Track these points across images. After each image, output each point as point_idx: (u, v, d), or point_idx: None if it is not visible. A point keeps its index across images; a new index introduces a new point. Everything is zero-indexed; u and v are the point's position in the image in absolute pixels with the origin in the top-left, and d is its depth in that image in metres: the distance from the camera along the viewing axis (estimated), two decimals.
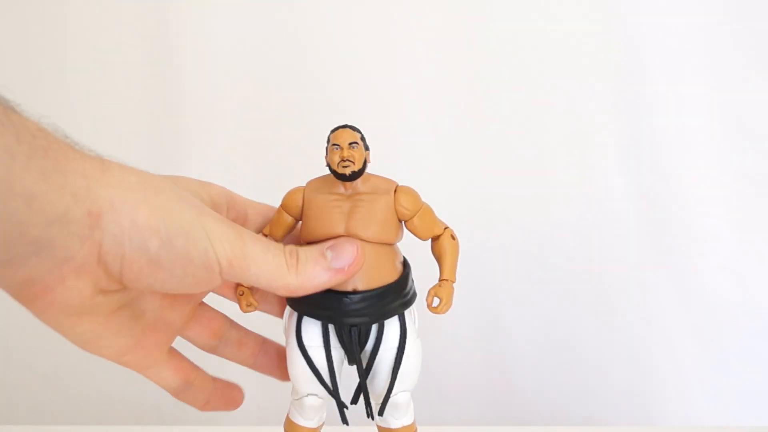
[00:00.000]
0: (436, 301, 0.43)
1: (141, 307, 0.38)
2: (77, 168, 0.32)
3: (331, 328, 0.43)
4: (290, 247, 0.39)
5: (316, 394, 0.44)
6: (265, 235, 0.45)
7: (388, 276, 0.43)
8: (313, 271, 0.38)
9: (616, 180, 0.76)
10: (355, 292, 0.42)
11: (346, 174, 0.43)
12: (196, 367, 0.43)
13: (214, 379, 0.44)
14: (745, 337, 0.76)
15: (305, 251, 0.39)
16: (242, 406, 0.75)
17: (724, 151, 0.76)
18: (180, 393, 0.43)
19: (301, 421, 0.46)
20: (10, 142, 0.30)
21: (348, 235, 0.42)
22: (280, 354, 0.46)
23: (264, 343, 0.46)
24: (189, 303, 0.42)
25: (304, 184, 0.45)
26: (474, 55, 0.76)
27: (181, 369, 0.42)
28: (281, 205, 0.45)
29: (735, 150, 0.76)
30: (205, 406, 0.45)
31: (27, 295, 0.33)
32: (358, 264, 0.40)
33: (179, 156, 0.77)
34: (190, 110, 0.77)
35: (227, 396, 0.45)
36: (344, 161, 0.43)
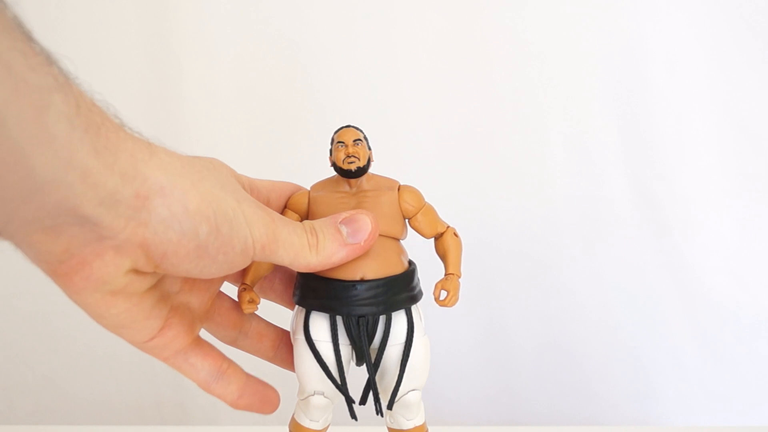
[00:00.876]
0: (443, 294, 0.43)
1: (167, 289, 0.38)
2: (127, 148, 0.32)
3: (339, 323, 0.43)
4: (308, 224, 0.40)
5: (322, 393, 0.44)
6: None
7: (395, 268, 0.43)
8: (332, 248, 0.40)
9: (617, 180, 0.76)
10: (362, 281, 0.42)
11: (351, 170, 0.44)
12: (227, 358, 0.43)
13: (248, 375, 0.43)
14: (745, 337, 0.76)
15: (322, 228, 0.40)
16: None
17: (725, 151, 0.76)
18: (212, 383, 0.42)
19: (306, 422, 0.45)
20: (71, 112, 0.29)
21: None
22: None
23: (284, 334, 0.46)
24: (209, 289, 0.42)
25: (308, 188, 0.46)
26: (475, 56, 0.76)
27: (210, 356, 0.42)
28: (287, 205, 0.46)
29: (735, 150, 0.76)
30: (238, 400, 0.43)
31: (64, 269, 0.32)
32: (373, 237, 0.41)
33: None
34: (190, 111, 0.77)
35: (262, 394, 0.44)
36: (349, 157, 0.44)
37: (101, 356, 0.77)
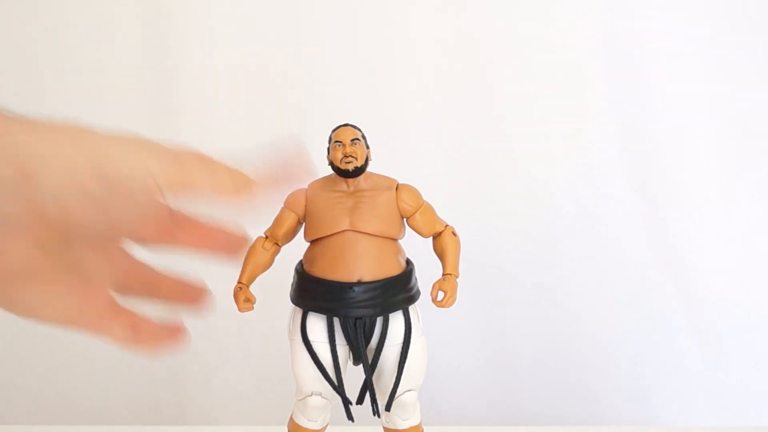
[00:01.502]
0: (440, 295, 0.43)
1: (79, 262, 0.37)
2: (6, 129, 0.31)
3: (336, 324, 0.43)
4: (236, 171, 0.36)
5: (320, 393, 0.44)
6: (266, 237, 0.46)
7: (392, 269, 0.43)
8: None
9: (617, 180, 0.76)
10: (360, 283, 0.42)
11: (349, 170, 0.44)
12: (142, 317, 0.41)
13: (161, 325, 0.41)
14: (744, 337, 0.76)
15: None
16: (241, 405, 0.75)
17: (725, 151, 0.76)
18: (130, 343, 0.41)
19: (304, 423, 0.45)
20: None
21: (352, 230, 0.43)
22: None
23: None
24: (120, 255, 0.40)
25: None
26: (474, 55, 0.76)
27: (128, 319, 0.40)
28: (285, 204, 0.46)
29: (735, 150, 0.75)
30: (154, 345, 0.41)
31: None
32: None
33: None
34: (189, 111, 0.77)
35: (173, 329, 0.41)
36: (347, 157, 0.44)
37: (100, 356, 0.77)
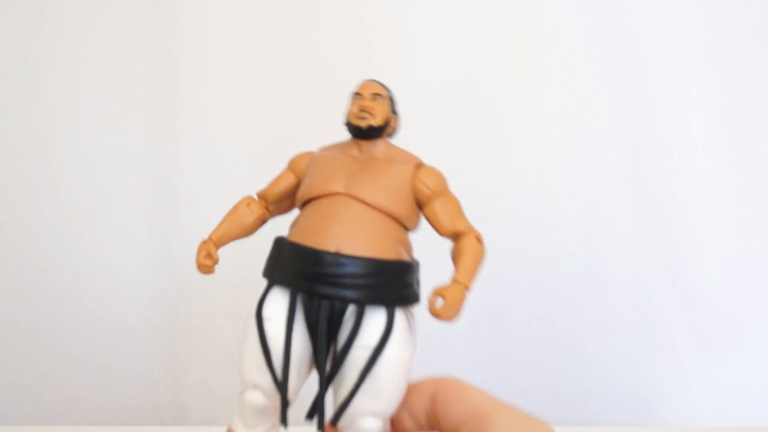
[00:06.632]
0: (439, 302, 0.33)
1: None
2: None
3: (300, 303, 0.34)
4: None
5: (261, 389, 0.34)
6: (260, 197, 0.40)
7: (383, 251, 0.34)
8: None
9: (617, 180, 0.76)
10: (336, 254, 0.33)
11: (362, 126, 0.37)
12: None
13: None
14: (743, 337, 0.76)
15: None
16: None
17: (724, 151, 0.75)
18: None
19: (239, 429, 0.35)
20: None
21: (346, 194, 0.35)
22: None
23: None
24: None
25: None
26: (475, 56, 0.76)
27: None
28: (288, 165, 0.40)
29: (735, 150, 0.75)
30: None
31: None
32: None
33: (178, 157, 0.77)
34: (189, 110, 0.77)
35: None
36: (362, 111, 0.37)
37: (100, 357, 0.77)
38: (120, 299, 0.77)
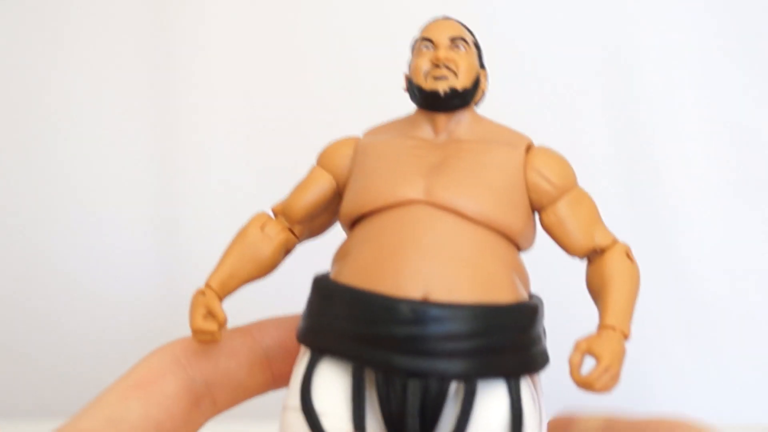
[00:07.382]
0: (590, 365, 0.22)
1: None
2: None
3: (371, 386, 0.22)
4: None
5: None
6: (278, 214, 0.27)
7: (497, 290, 0.24)
8: None
9: (609, 177, 0.76)
10: (426, 304, 0.22)
11: (438, 92, 0.24)
12: None
13: None
14: (740, 336, 0.76)
15: None
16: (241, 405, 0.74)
17: (717, 148, 0.76)
18: None
19: None
20: None
21: (428, 202, 0.22)
22: None
23: None
24: None
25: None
26: None
27: None
28: (318, 161, 0.26)
29: (729, 147, 0.76)
30: None
31: None
32: None
33: (178, 155, 0.77)
34: (188, 109, 0.77)
35: None
36: (438, 68, 0.24)
37: (103, 353, 0.77)
38: (120, 299, 0.77)
